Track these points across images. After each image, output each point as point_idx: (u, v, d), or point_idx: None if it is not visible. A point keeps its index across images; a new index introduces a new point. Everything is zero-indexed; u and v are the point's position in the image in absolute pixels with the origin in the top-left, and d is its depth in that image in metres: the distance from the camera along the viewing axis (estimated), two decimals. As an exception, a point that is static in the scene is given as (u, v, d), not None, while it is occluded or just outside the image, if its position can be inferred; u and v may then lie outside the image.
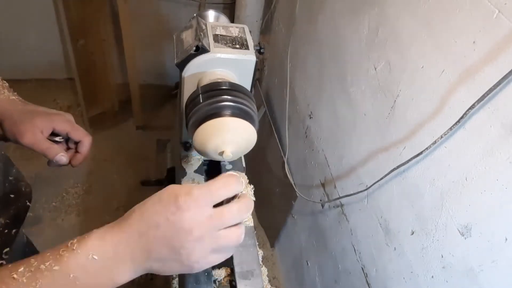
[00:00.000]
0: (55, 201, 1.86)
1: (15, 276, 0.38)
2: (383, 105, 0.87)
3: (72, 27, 1.78)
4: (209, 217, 0.42)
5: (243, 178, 0.49)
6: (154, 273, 0.44)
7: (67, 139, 0.70)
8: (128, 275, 0.43)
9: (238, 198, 0.45)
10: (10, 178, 0.71)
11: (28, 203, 0.66)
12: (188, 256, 0.42)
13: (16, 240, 0.69)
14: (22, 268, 0.39)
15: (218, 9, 1.32)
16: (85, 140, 0.71)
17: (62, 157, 0.67)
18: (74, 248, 0.40)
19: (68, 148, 0.71)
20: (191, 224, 0.41)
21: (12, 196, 0.68)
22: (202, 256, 0.43)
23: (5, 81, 0.67)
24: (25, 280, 0.38)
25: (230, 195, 0.44)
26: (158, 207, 0.42)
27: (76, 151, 0.71)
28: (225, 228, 0.43)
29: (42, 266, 0.39)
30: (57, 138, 0.68)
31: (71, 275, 0.39)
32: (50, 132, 0.66)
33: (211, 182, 0.44)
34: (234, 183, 0.44)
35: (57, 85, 2.32)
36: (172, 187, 0.43)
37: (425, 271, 0.75)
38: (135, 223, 0.42)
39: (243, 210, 0.44)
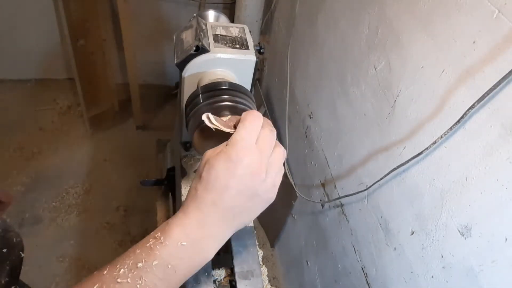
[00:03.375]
0: (55, 201, 1.85)
1: (119, 280, 0.42)
2: (383, 105, 0.87)
3: (72, 27, 1.78)
4: (259, 152, 0.46)
5: None
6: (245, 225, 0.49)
7: None
8: (218, 245, 0.47)
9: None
10: None
11: (22, 254, 0.62)
12: (264, 190, 0.47)
13: None
14: (122, 271, 0.42)
15: (218, 9, 1.32)
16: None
17: None
18: (162, 240, 0.43)
19: None
20: (252, 167, 0.45)
21: (4, 251, 0.62)
22: (272, 182, 0.47)
23: None
24: (129, 281, 0.42)
25: (259, 126, 0.48)
26: (217, 172, 0.45)
27: None
28: (272, 151, 0.48)
29: (140, 264, 0.42)
30: None
31: (169, 265, 0.43)
32: None
33: (240, 128, 0.47)
34: (255, 117, 0.48)
35: (57, 85, 2.32)
36: (210, 154, 0.47)
37: (425, 271, 0.75)
38: (206, 197, 0.45)
39: (272, 129, 0.49)
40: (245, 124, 0.47)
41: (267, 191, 0.47)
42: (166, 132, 2.16)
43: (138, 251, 0.43)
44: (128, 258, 0.43)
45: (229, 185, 0.45)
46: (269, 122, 0.50)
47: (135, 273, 0.42)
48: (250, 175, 0.45)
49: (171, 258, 0.43)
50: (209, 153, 0.47)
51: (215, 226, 0.46)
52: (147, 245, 0.44)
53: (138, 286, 0.42)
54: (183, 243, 0.44)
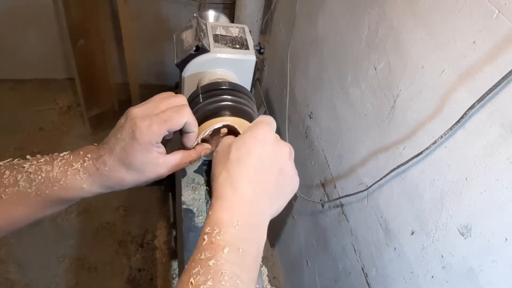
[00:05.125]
0: (55, 201, 1.85)
1: (192, 281, 0.38)
2: (383, 105, 0.87)
3: (72, 27, 1.78)
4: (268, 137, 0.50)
5: None
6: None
7: None
8: (268, 215, 0.51)
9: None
10: None
11: None
12: (288, 168, 0.50)
13: None
14: (199, 279, 0.38)
15: (218, 9, 1.32)
16: None
17: None
18: (218, 230, 0.41)
19: None
20: (276, 142, 0.49)
21: None
22: (292, 163, 0.51)
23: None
24: (212, 283, 0.37)
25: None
26: (249, 149, 0.47)
27: None
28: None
29: (212, 262, 0.38)
30: None
31: (240, 249, 0.41)
32: None
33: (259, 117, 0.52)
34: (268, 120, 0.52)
35: (57, 85, 2.32)
36: (228, 140, 0.51)
37: (425, 271, 0.75)
38: (239, 174, 0.46)
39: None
40: (263, 117, 0.52)
41: (291, 170, 0.50)
42: (166, 132, 2.16)
43: (199, 256, 0.39)
44: (196, 267, 0.38)
45: (262, 158, 0.47)
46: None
47: (212, 272, 0.38)
48: (277, 148, 0.49)
49: (237, 240, 0.41)
50: (227, 140, 0.51)
51: (257, 201, 0.47)
52: (205, 243, 0.40)
53: (223, 283, 0.37)
54: (239, 223, 0.42)
